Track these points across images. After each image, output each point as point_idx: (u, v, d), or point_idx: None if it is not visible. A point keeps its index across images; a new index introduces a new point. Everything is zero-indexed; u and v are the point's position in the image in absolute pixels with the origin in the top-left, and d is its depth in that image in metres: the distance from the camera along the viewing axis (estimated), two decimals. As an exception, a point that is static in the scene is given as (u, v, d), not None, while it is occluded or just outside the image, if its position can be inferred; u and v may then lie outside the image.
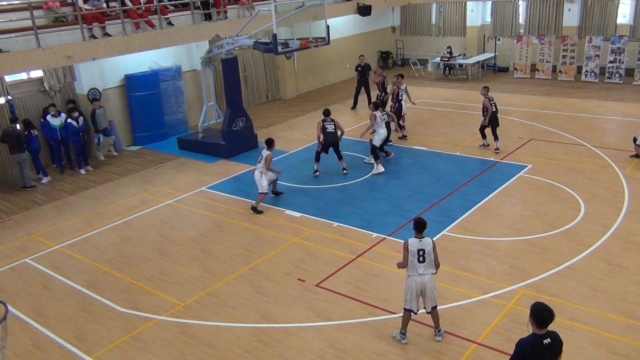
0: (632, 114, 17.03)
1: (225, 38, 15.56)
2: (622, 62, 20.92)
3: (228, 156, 15.32)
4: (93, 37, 13.57)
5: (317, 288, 8.85)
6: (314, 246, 10.19)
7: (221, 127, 15.66)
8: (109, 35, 13.91)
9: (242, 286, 9.07)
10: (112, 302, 8.88)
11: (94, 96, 15.64)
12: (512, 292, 8.38)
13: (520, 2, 23.96)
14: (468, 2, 25.20)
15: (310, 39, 14.58)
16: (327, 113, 13.53)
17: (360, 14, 21.94)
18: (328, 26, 14.66)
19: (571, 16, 22.68)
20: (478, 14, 25.37)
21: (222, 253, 10.21)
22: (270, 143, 11.90)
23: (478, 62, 23.75)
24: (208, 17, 16.46)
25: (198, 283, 9.26)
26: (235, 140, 15.45)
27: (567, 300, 8.10)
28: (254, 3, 17.87)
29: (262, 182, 11.72)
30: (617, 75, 21.14)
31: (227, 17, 16.95)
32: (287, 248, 10.20)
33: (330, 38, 14.95)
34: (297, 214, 11.54)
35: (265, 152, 11.72)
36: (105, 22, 13.89)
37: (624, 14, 22.16)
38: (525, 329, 7.46)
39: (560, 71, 22.39)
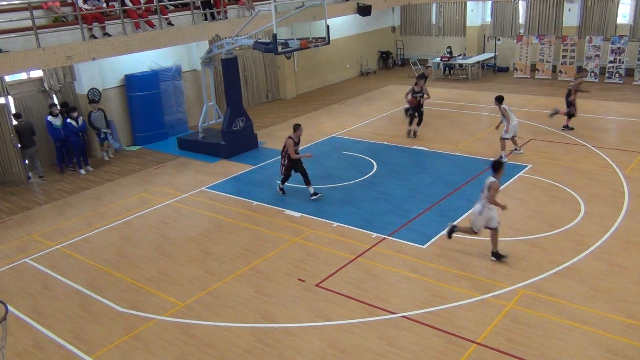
0: (632, 114, 17.03)
1: (225, 38, 15.56)
2: (622, 62, 20.93)
3: (228, 156, 15.33)
4: (93, 37, 13.57)
5: (317, 288, 8.85)
6: (314, 246, 10.19)
7: (221, 127, 15.66)
8: (109, 35, 13.91)
9: (242, 286, 9.07)
10: (112, 302, 8.88)
11: (92, 98, 15.60)
12: (512, 292, 8.37)
13: (520, 2, 23.95)
14: (468, 2, 25.20)
15: (310, 39, 14.58)
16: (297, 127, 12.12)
17: (360, 14, 21.93)
18: (328, 26, 14.66)
19: (571, 16, 22.67)
20: (478, 14, 25.38)
21: (222, 253, 10.21)
22: (497, 167, 9.00)
23: (478, 62, 23.75)
24: (209, 17, 16.46)
25: (198, 283, 9.26)
26: (235, 140, 15.46)
27: (567, 300, 8.10)
28: (254, 3, 17.87)
29: (478, 220, 9.07)
30: (617, 75, 21.14)
31: (227, 17, 16.94)
32: (287, 248, 10.20)
33: (330, 38, 14.95)
34: (297, 214, 11.54)
35: (490, 179, 8.99)
36: (105, 22, 13.89)
37: (624, 14, 22.15)
38: (527, 330, 7.50)
39: (560, 71, 22.40)
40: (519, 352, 7.10)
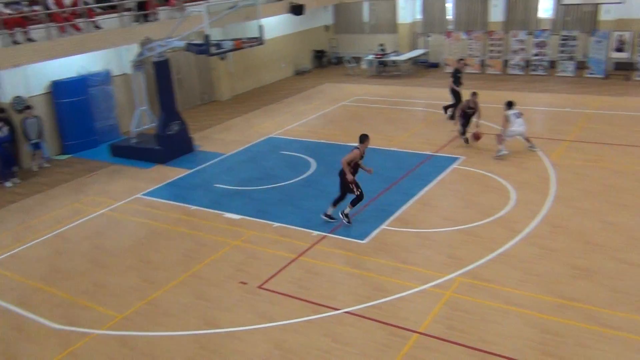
0: (556, 104, 17.86)
1: (157, 40, 15.19)
2: (546, 55, 21.92)
3: (164, 161, 14.98)
4: (15, 42, 12.93)
5: (259, 290, 8.79)
6: (254, 248, 10.12)
7: (155, 132, 15.29)
8: (33, 41, 13.30)
9: (182, 293, 8.89)
10: (45, 319, 8.50)
11: (17, 107, 14.85)
12: (450, 281, 8.61)
13: (448, -1, 24.67)
14: (399, 0, 25.70)
15: (244, 39, 14.47)
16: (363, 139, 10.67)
17: (293, 14, 21.93)
18: (261, 26, 14.59)
19: (497, 12, 23.56)
20: (409, 11, 25.93)
21: (161, 261, 9.97)
22: None
23: (410, 59, 24.26)
24: (139, 18, 16.03)
25: (136, 293, 9.00)
26: (170, 144, 15.13)
27: (502, 285, 8.40)
28: (185, 4, 17.55)
29: None
30: (541, 67, 22.11)
31: (157, 19, 16.56)
32: (228, 252, 10.08)
33: (265, 38, 14.89)
34: (237, 217, 11.43)
35: None
36: (28, 27, 13.27)
37: (545, 9, 23.22)
38: (466, 317, 7.72)
39: (488, 65, 23.21)
40: (459, 338, 7.31)
